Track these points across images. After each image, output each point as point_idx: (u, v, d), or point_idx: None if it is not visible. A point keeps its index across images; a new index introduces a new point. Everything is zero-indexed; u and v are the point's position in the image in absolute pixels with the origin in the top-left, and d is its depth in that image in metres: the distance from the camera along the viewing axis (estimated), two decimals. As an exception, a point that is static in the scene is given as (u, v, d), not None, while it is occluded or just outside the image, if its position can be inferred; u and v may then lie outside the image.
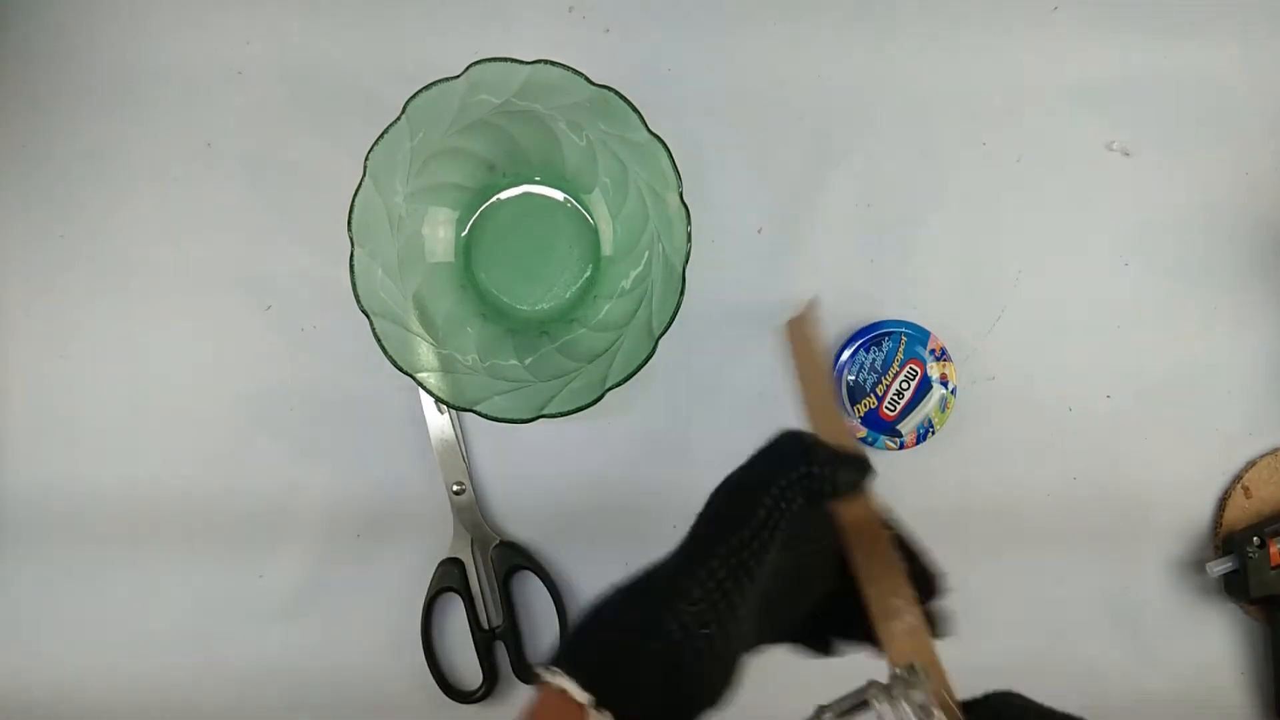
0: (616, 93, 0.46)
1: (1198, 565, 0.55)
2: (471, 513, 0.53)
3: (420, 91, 0.45)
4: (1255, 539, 0.52)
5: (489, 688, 0.53)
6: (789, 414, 0.54)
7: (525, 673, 0.53)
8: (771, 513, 0.31)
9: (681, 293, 0.46)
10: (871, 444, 0.53)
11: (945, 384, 0.53)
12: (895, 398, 0.52)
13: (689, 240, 0.46)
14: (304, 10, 0.54)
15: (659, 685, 0.29)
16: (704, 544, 0.31)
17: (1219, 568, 0.53)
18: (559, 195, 0.52)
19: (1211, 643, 0.55)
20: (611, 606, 0.31)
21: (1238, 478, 0.55)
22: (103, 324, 0.54)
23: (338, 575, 0.54)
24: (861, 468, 0.33)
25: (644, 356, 0.46)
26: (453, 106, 0.46)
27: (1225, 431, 0.55)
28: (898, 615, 0.32)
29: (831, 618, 0.34)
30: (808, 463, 0.32)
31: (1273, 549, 0.52)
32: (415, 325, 0.49)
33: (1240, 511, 0.55)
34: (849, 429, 0.37)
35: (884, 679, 0.30)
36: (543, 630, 0.54)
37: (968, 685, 0.31)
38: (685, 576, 0.30)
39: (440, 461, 0.53)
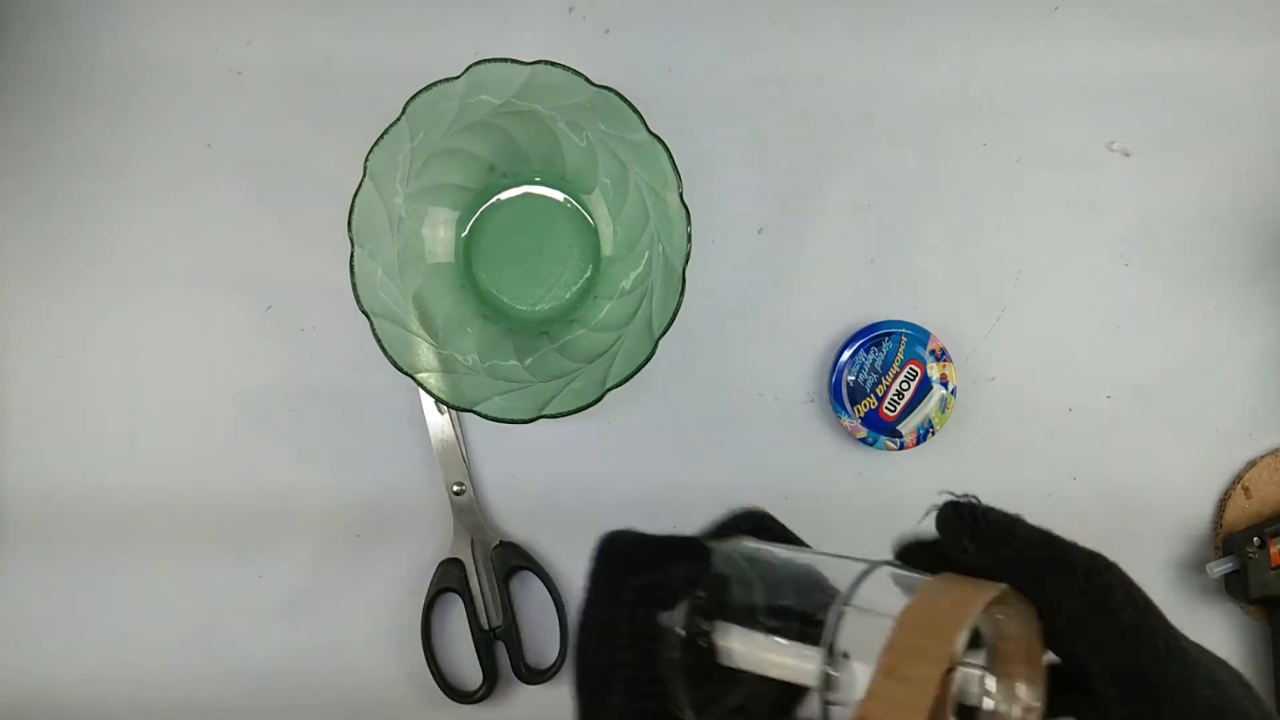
0: (616, 93, 0.46)
1: (1198, 565, 0.55)
2: (471, 513, 0.53)
3: (420, 92, 0.45)
4: (1255, 539, 0.52)
5: (489, 688, 0.53)
6: (788, 414, 0.54)
7: (525, 673, 0.53)
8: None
9: (681, 293, 0.46)
10: (871, 444, 0.53)
11: (945, 384, 0.53)
12: (895, 398, 0.52)
13: (689, 240, 0.46)
14: (304, 10, 0.54)
15: None
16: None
17: (1219, 568, 0.53)
18: (559, 196, 0.52)
19: (1211, 643, 0.54)
20: None
21: (1238, 478, 0.55)
22: (103, 324, 0.54)
23: (338, 575, 0.54)
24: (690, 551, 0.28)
25: (644, 357, 0.46)
26: (453, 107, 0.46)
27: (1225, 431, 0.55)
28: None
29: None
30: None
31: (1273, 549, 0.52)
32: (415, 325, 0.49)
33: (1240, 511, 0.55)
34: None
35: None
36: (543, 630, 0.54)
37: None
38: None
39: (440, 461, 0.53)
